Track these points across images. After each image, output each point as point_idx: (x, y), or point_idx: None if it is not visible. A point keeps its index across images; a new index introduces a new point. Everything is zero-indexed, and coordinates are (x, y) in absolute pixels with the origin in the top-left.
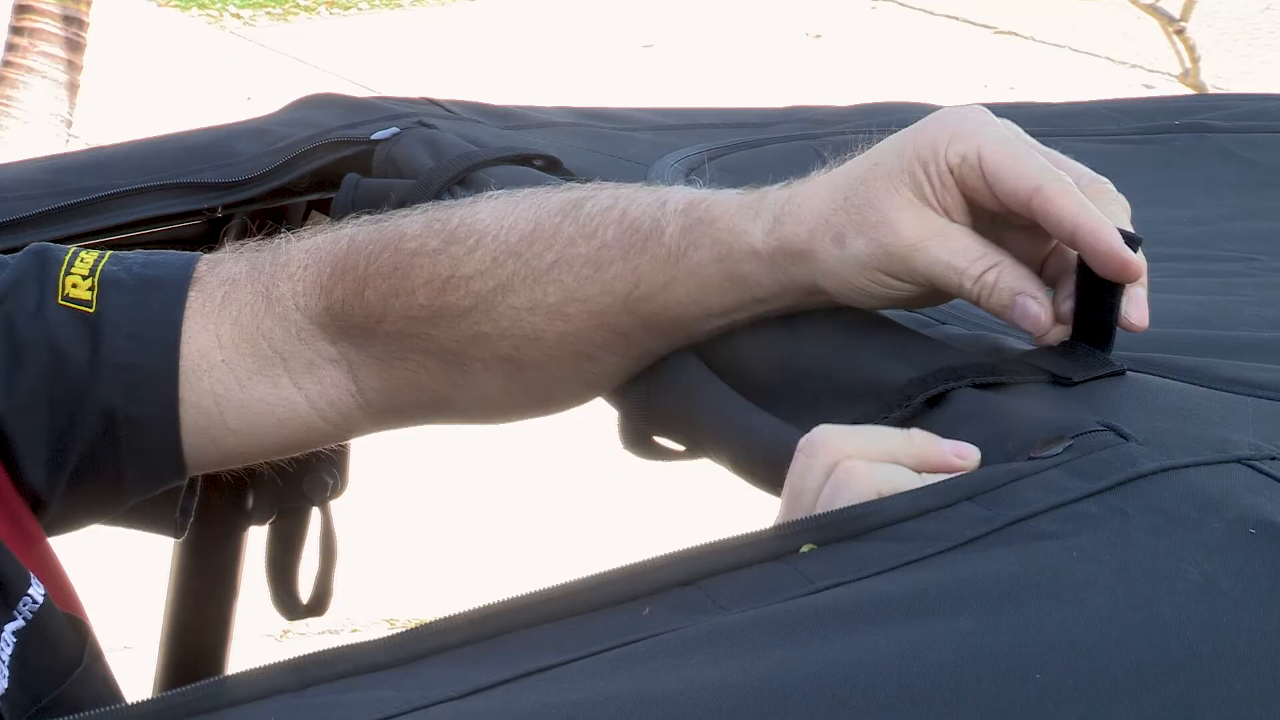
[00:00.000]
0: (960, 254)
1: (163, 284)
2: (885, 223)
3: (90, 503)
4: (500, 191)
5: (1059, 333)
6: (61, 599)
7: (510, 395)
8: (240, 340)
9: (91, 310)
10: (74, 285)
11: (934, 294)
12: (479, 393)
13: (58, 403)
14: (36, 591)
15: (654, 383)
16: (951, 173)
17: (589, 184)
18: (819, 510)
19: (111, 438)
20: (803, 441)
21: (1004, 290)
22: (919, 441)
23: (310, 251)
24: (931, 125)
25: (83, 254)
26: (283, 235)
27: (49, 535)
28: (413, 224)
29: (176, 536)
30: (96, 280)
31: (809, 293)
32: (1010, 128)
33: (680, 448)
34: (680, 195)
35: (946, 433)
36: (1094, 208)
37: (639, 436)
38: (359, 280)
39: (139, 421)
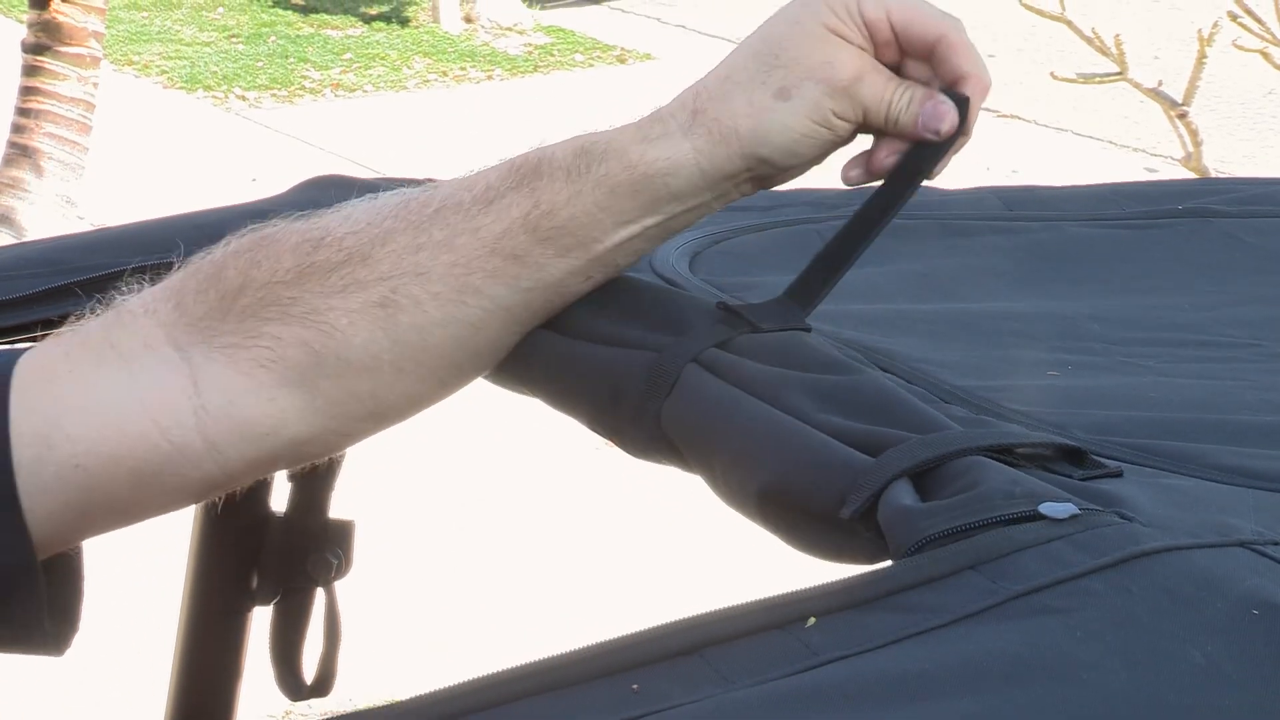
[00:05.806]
0: (886, 83)
1: None
2: (828, 63)
3: None
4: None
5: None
6: None
7: (377, 351)
8: (87, 350)
9: None
10: None
11: (858, 129)
12: (339, 354)
13: None
14: None
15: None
16: (867, 25)
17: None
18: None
19: None
20: None
21: (916, 105)
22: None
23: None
24: None
25: None
26: None
27: None
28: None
29: (57, 654)
30: None
31: (730, 177)
32: None
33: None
34: (558, 141)
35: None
36: (983, 63)
37: (649, 444)
38: (216, 266)
39: None
